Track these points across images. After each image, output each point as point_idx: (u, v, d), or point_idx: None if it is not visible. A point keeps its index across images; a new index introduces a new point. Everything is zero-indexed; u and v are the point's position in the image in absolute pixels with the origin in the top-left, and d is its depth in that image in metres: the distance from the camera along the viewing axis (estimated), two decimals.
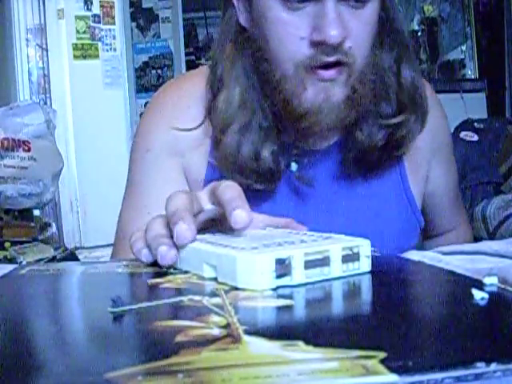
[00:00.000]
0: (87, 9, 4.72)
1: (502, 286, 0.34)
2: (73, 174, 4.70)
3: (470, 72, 3.34)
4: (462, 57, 3.37)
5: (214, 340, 0.26)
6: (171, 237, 0.44)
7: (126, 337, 0.29)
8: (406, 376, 0.21)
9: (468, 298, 0.32)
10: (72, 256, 2.39)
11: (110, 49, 4.83)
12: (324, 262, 0.38)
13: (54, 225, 2.60)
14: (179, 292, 0.37)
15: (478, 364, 0.21)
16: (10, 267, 0.48)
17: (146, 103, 3.56)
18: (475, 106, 2.80)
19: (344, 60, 0.63)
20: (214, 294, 0.35)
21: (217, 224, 0.52)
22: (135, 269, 0.46)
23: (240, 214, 0.43)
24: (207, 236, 0.46)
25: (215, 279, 0.39)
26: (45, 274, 0.46)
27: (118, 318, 0.31)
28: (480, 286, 0.34)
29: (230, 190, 0.46)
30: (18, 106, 2.40)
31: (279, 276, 0.36)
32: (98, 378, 0.21)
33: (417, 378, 0.21)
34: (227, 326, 0.28)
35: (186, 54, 3.69)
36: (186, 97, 0.75)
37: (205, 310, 0.32)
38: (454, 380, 0.21)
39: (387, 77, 0.71)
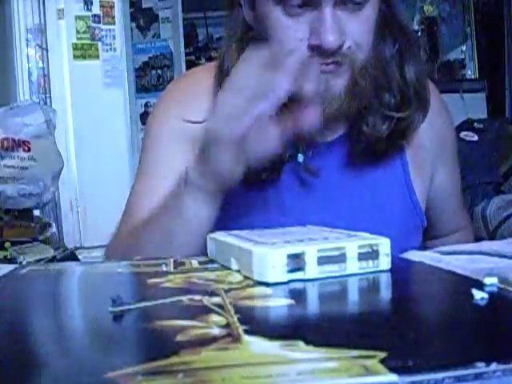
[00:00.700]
0: (87, 9, 4.72)
1: (502, 286, 0.34)
2: (73, 174, 4.70)
3: (469, 72, 3.34)
4: (462, 57, 3.37)
5: (214, 340, 0.26)
6: None
7: (125, 336, 0.29)
8: (406, 376, 0.21)
9: (468, 298, 0.32)
10: (72, 256, 2.39)
11: (110, 49, 4.82)
12: (340, 258, 0.40)
13: (53, 225, 2.59)
14: (179, 292, 0.37)
15: (478, 364, 0.21)
16: (10, 267, 0.48)
17: (146, 103, 3.56)
18: (475, 105, 2.79)
19: (343, 61, 0.65)
20: (214, 294, 0.35)
21: None
22: (135, 269, 0.46)
23: None
24: (243, 232, 0.49)
25: (239, 271, 0.42)
26: (45, 273, 0.46)
27: (117, 317, 0.31)
28: (480, 286, 0.34)
29: None
30: (17, 106, 2.39)
31: (292, 270, 0.38)
32: (98, 377, 0.21)
33: (417, 378, 0.21)
34: (227, 325, 0.28)
35: (186, 54, 3.68)
36: (197, 89, 0.77)
37: (205, 309, 0.32)
38: (453, 380, 0.21)
39: (390, 69, 0.73)
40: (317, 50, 0.64)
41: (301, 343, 0.25)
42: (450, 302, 0.35)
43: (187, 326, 0.28)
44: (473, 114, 2.45)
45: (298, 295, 0.36)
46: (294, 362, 0.23)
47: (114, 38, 4.78)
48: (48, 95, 4.34)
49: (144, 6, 3.53)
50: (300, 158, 0.74)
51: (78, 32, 4.70)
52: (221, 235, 0.48)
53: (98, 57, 4.77)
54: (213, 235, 0.49)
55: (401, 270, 0.43)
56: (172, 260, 0.48)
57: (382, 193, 0.77)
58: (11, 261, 2.00)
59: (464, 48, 3.37)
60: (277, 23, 0.66)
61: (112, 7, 4.65)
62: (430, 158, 0.81)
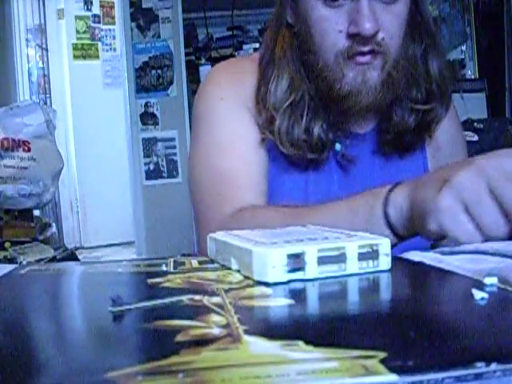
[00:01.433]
0: (87, 9, 4.73)
1: (502, 286, 0.34)
2: (73, 174, 4.70)
3: (470, 72, 3.34)
4: (462, 57, 3.37)
5: (214, 340, 0.26)
6: None
7: (125, 336, 0.29)
8: (406, 376, 0.21)
9: (468, 298, 0.32)
10: (72, 256, 2.39)
11: (110, 49, 4.83)
12: (340, 258, 0.40)
13: (54, 225, 2.60)
14: (179, 292, 0.37)
15: (478, 364, 0.21)
16: (10, 267, 0.48)
17: (146, 103, 3.56)
18: (475, 105, 2.79)
19: (378, 49, 0.71)
20: (214, 294, 0.35)
21: None
22: (135, 269, 0.46)
23: None
24: (243, 232, 0.49)
25: (239, 271, 0.42)
26: (45, 273, 0.46)
27: (117, 317, 0.31)
28: (480, 286, 0.34)
29: None
30: (18, 106, 2.40)
31: (292, 270, 0.38)
32: (98, 377, 0.21)
33: (417, 378, 0.21)
34: (227, 325, 0.28)
35: (186, 54, 3.68)
36: (243, 75, 0.83)
37: (205, 309, 0.32)
38: (453, 380, 0.21)
39: (417, 65, 0.79)
40: (355, 39, 0.70)
41: (301, 343, 0.25)
42: (450, 302, 0.35)
43: (187, 326, 0.28)
44: (473, 114, 2.45)
45: (298, 295, 0.36)
46: (294, 362, 0.23)
47: (114, 38, 4.79)
48: (48, 95, 4.35)
49: (144, 6, 3.53)
50: (338, 146, 0.81)
51: (77, 32, 4.70)
52: (221, 235, 0.48)
53: (98, 57, 4.78)
54: (213, 235, 0.49)
55: (401, 270, 0.43)
56: (172, 260, 0.48)
57: (407, 176, 0.81)
58: (11, 261, 2.00)
59: (464, 48, 3.37)
60: (318, 16, 0.73)
61: (112, 7, 4.66)
62: (445, 161, 0.85)
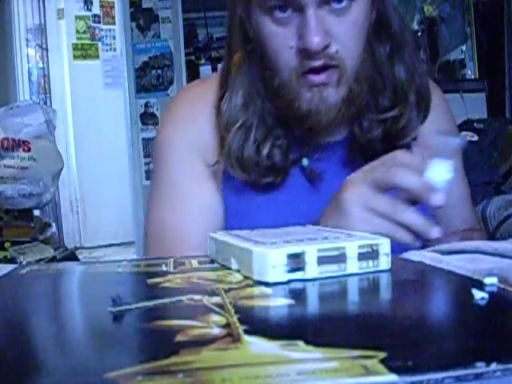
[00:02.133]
0: (87, 9, 4.73)
1: (502, 286, 0.34)
2: (73, 174, 4.71)
3: (470, 72, 3.33)
4: (462, 57, 3.37)
5: (214, 340, 0.26)
6: None
7: (125, 336, 0.29)
8: (406, 376, 0.21)
9: (468, 298, 0.32)
10: (72, 256, 2.39)
11: (110, 49, 4.83)
12: (340, 258, 0.40)
13: (54, 225, 2.60)
14: (179, 292, 0.37)
15: (478, 364, 0.21)
16: (10, 267, 0.48)
17: (146, 103, 3.55)
18: (475, 105, 2.79)
19: (332, 63, 0.67)
20: (214, 294, 0.35)
21: None
22: (135, 269, 0.46)
23: None
24: (243, 232, 0.49)
25: (239, 271, 0.42)
26: (45, 273, 0.46)
27: (117, 317, 0.31)
28: (480, 286, 0.34)
29: None
30: (18, 106, 2.40)
31: (292, 270, 0.38)
32: (98, 377, 0.21)
33: (417, 378, 0.21)
34: (227, 325, 0.28)
35: (186, 54, 3.68)
36: (199, 105, 0.80)
37: (205, 309, 0.32)
38: (453, 380, 0.21)
39: (384, 70, 0.74)
40: (305, 54, 0.66)
41: (301, 343, 0.25)
42: (450, 302, 0.35)
43: (187, 326, 0.28)
44: (473, 114, 2.44)
45: (298, 295, 0.36)
46: (294, 362, 0.23)
47: (114, 38, 4.78)
48: (48, 95, 4.35)
49: (144, 6, 3.53)
50: (305, 162, 0.77)
51: (78, 32, 4.70)
52: (221, 235, 0.48)
53: (98, 57, 4.78)
54: (213, 235, 0.49)
55: (401, 270, 0.43)
56: (172, 260, 0.48)
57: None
58: (11, 261, 2.00)
59: (464, 48, 3.37)
60: (268, 32, 0.68)
61: (112, 7, 4.66)
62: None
